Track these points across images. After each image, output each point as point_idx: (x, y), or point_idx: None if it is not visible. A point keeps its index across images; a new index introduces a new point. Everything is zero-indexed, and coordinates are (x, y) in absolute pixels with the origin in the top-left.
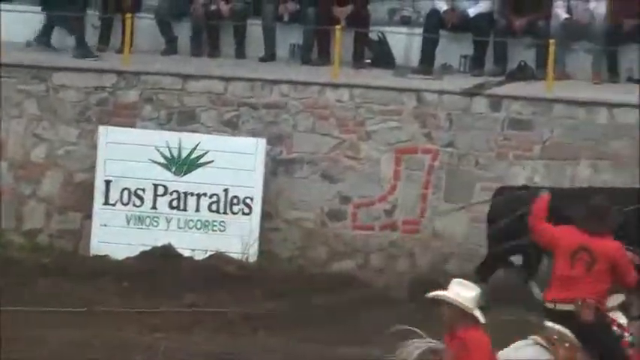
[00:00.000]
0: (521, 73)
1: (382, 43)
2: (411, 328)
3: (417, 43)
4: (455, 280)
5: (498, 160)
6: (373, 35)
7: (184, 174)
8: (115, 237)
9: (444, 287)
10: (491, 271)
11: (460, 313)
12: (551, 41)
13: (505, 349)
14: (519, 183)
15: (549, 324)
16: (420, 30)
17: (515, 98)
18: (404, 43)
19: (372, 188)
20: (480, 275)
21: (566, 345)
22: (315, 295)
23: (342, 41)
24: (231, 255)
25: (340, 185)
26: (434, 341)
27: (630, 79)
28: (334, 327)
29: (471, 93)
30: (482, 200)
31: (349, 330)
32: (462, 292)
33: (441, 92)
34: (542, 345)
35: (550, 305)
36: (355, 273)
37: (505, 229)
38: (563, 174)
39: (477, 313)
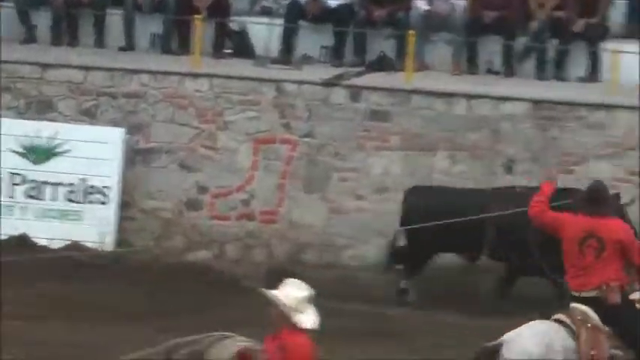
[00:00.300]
0: (381, 64)
1: (242, 33)
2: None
3: (277, 33)
4: (289, 280)
5: (357, 151)
6: (234, 25)
7: (42, 163)
8: None
9: (301, 277)
10: (417, 270)
11: (283, 315)
12: (411, 32)
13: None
14: (377, 173)
15: (574, 305)
16: (280, 20)
17: (375, 89)
18: (264, 33)
19: (229, 178)
20: (404, 272)
21: (589, 325)
22: (172, 285)
23: (202, 31)
24: (88, 244)
25: (198, 175)
26: (249, 341)
27: (489, 71)
28: (190, 317)
29: (330, 84)
30: (339, 190)
31: (205, 320)
32: (292, 292)
33: (301, 83)
34: (565, 324)
35: (575, 294)
36: (212, 263)
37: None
38: (420, 165)
39: (299, 318)
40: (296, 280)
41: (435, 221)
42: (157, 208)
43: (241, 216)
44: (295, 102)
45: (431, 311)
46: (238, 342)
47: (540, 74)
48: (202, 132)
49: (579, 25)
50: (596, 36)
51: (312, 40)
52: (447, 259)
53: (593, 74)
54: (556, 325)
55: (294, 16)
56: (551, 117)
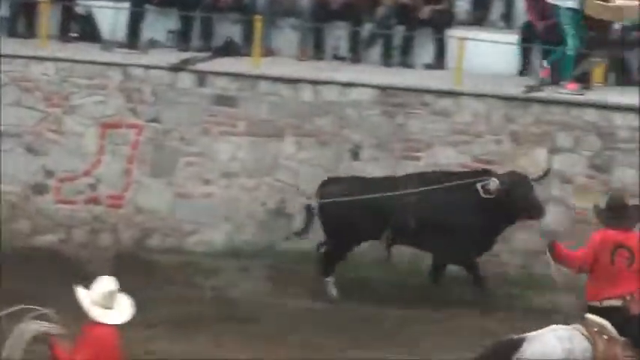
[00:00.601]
0: (228, 50)
1: (88, 17)
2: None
3: (124, 17)
4: (101, 277)
5: (203, 136)
6: (79, 9)
7: None
8: None
9: (147, 262)
10: (332, 266)
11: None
12: (257, 18)
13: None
14: (223, 158)
15: (590, 316)
16: (126, 5)
17: (221, 74)
18: (111, 17)
19: (76, 162)
20: (322, 271)
21: (605, 337)
22: (18, 270)
23: (48, 15)
24: None
25: (44, 159)
26: (51, 325)
27: (336, 57)
28: (35, 303)
29: (176, 68)
30: (185, 175)
31: (50, 305)
32: (99, 289)
33: (147, 67)
34: (582, 334)
35: (595, 303)
36: (58, 247)
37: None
38: (267, 151)
39: (98, 313)
40: (106, 277)
41: (352, 212)
42: (3, 192)
43: (88, 200)
44: (141, 86)
45: (280, 297)
46: (40, 325)
47: (386, 61)
48: (48, 116)
49: (425, 11)
50: (442, 23)
51: (158, 25)
52: None
53: (439, 61)
54: (577, 333)
55: (140, 1)
56: (397, 103)
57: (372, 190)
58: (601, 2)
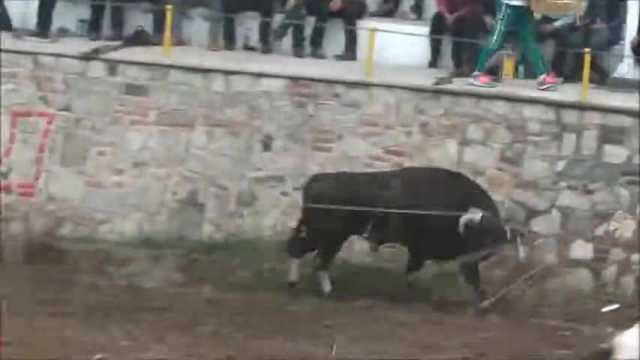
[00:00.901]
0: (139, 39)
1: (0, 5)
2: None
3: (35, 6)
4: None
5: (114, 125)
6: None
7: None
8: None
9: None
10: (305, 250)
11: None
12: (169, 7)
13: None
14: (134, 148)
15: None
16: None
17: (132, 63)
18: (21, 6)
19: None
20: (290, 252)
21: None
22: None
23: None
24: None
25: None
26: None
27: (247, 47)
28: None
29: (87, 57)
30: (97, 164)
31: None
32: None
33: (58, 56)
34: None
35: None
36: None
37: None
38: (178, 140)
39: None
40: None
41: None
42: None
43: None
44: (52, 75)
45: (190, 287)
46: None
47: (297, 51)
48: None
49: (336, 3)
50: (353, 14)
51: (69, 14)
52: None
53: (350, 52)
54: None
55: None
56: (308, 94)
57: (359, 186)
58: None
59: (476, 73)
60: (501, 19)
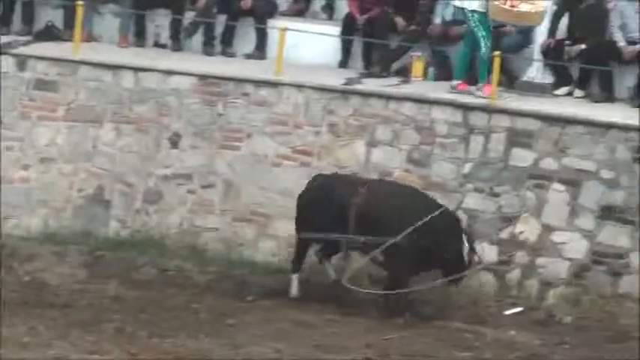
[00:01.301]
0: (49, 34)
1: None
2: None
3: None
4: None
5: (22, 120)
6: None
7: None
8: None
9: None
10: (302, 261)
11: None
12: (79, 3)
13: None
14: (42, 143)
15: None
16: None
17: (42, 59)
18: None
19: None
20: (293, 267)
21: None
22: None
23: None
24: None
25: None
26: None
27: (157, 45)
28: None
29: None
30: (4, 160)
31: None
32: None
33: None
34: None
35: None
36: None
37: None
38: (86, 136)
39: None
40: None
41: (322, 209)
42: None
43: None
44: None
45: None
46: None
47: (208, 50)
48: None
49: (247, 2)
50: (264, 13)
51: None
52: None
53: (260, 51)
54: None
55: None
56: (217, 92)
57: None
58: (505, 7)
59: (479, 84)
60: (475, 26)
